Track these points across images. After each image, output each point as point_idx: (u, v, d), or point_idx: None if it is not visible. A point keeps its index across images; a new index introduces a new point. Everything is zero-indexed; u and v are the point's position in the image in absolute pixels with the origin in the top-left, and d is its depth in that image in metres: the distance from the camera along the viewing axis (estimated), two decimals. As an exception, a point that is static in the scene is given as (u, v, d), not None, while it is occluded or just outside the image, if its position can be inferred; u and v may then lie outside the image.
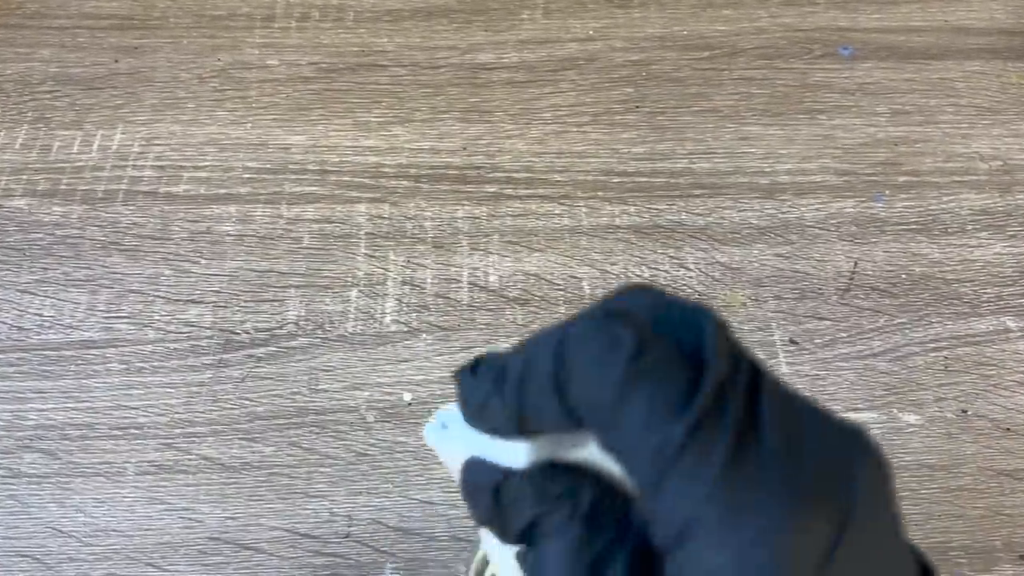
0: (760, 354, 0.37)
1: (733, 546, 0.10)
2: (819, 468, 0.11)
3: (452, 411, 0.15)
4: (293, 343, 0.36)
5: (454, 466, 0.15)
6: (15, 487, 0.33)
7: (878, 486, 0.11)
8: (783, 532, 0.10)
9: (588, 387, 0.11)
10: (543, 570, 0.13)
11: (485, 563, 0.18)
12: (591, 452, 0.13)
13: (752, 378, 0.11)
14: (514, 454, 0.14)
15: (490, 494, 0.14)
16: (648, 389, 0.11)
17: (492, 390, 0.13)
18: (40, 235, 0.39)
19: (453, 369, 0.16)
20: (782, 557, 0.10)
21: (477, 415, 0.14)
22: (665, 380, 0.11)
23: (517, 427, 0.13)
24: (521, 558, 0.14)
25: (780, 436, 0.11)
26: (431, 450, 0.16)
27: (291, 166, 0.42)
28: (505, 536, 0.14)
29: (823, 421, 0.11)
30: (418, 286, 0.38)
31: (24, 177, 0.41)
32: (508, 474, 0.14)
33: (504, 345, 0.37)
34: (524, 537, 0.13)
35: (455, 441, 0.15)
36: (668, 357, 0.11)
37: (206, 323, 0.37)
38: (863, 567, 0.11)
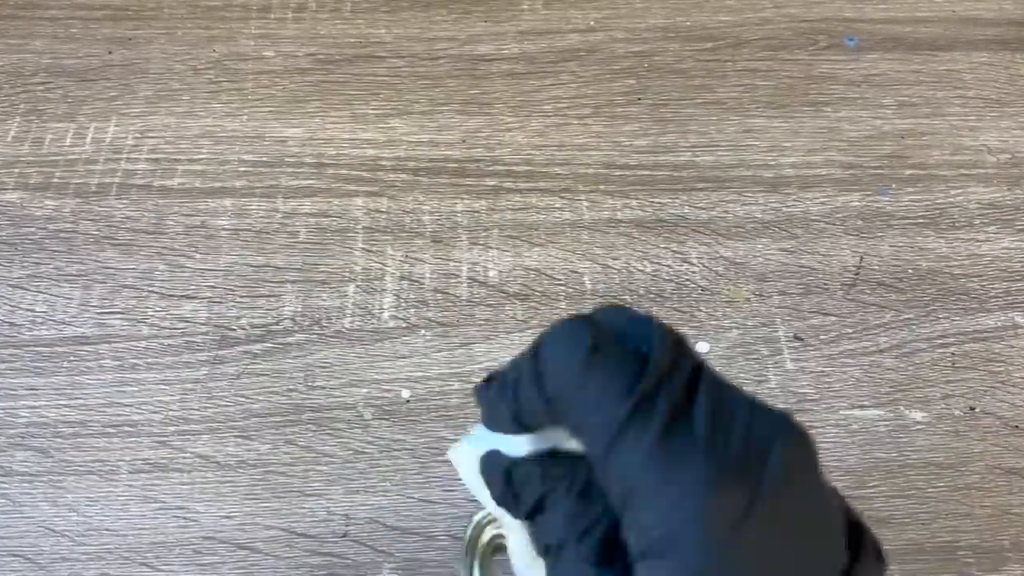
0: (764, 350, 0.36)
1: (662, 506, 0.12)
2: (741, 445, 0.13)
3: (472, 434, 0.18)
4: (289, 339, 0.36)
5: (472, 479, 0.17)
6: (7, 486, 0.32)
7: (794, 465, 0.13)
8: (704, 495, 0.12)
9: (556, 376, 0.14)
10: (547, 537, 0.15)
11: (481, 527, 0.19)
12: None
13: (693, 373, 0.13)
14: (520, 447, 0.16)
15: (503, 477, 0.16)
16: (601, 377, 0.13)
17: (497, 395, 0.16)
18: (32, 229, 0.39)
19: (473, 385, 0.19)
20: (702, 515, 0.12)
21: (492, 420, 0.16)
22: (616, 370, 0.13)
23: (517, 423, 0.15)
24: (531, 531, 0.16)
25: (710, 418, 0.13)
26: (452, 466, 0.18)
27: (287, 159, 0.41)
28: (517, 512, 0.16)
29: (753, 409, 0.13)
30: (417, 281, 0.38)
31: (16, 170, 0.41)
32: (518, 461, 0.16)
33: (504, 341, 0.36)
34: (532, 514, 0.15)
35: (477, 450, 0.17)
36: (620, 353, 0.14)
37: (201, 319, 0.36)
38: (777, 530, 0.13)
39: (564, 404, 0.14)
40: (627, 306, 0.16)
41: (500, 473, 0.16)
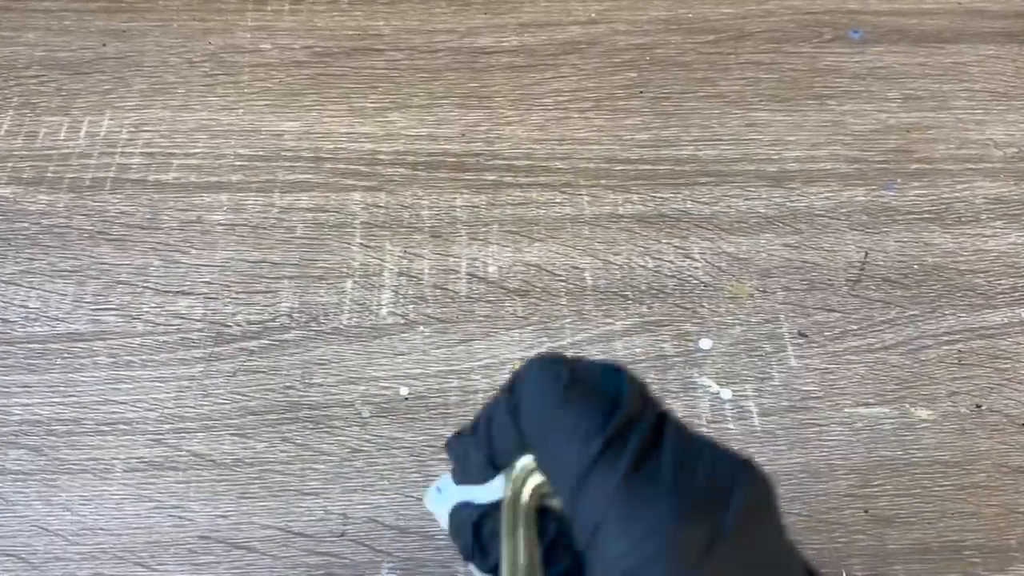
0: (767, 347, 0.36)
1: (633, 535, 0.13)
2: (705, 484, 0.13)
3: (447, 479, 0.18)
4: (286, 336, 0.35)
5: (446, 521, 0.18)
6: (0, 484, 0.32)
7: (754, 506, 0.14)
8: (671, 525, 0.13)
9: (531, 410, 0.15)
10: None
11: (521, 479, 0.17)
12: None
13: (658, 419, 0.14)
14: (494, 492, 0.16)
15: (471, 530, 0.16)
16: (574, 413, 0.14)
17: (469, 441, 0.16)
18: (25, 224, 0.38)
19: (442, 443, 0.20)
20: (670, 545, 0.13)
21: (462, 470, 0.17)
22: (588, 408, 0.14)
23: (491, 465, 0.16)
24: None
25: (675, 459, 0.14)
26: (431, 514, 0.18)
27: (284, 153, 0.41)
28: (484, 565, 0.16)
29: (716, 453, 0.14)
30: (415, 277, 0.37)
31: (9, 165, 0.40)
32: (486, 512, 0.16)
33: (504, 337, 0.36)
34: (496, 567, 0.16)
35: (448, 501, 0.17)
36: (593, 391, 0.14)
37: (196, 315, 0.36)
38: (739, 565, 0.13)
39: (537, 438, 0.15)
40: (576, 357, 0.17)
41: (469, 526, 0.17)
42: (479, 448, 0.16)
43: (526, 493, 0.17)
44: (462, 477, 0.17)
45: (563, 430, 0.14)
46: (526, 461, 0.17)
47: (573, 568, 0.15)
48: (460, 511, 0.17)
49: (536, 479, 0.17)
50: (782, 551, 0.14)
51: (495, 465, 0.16)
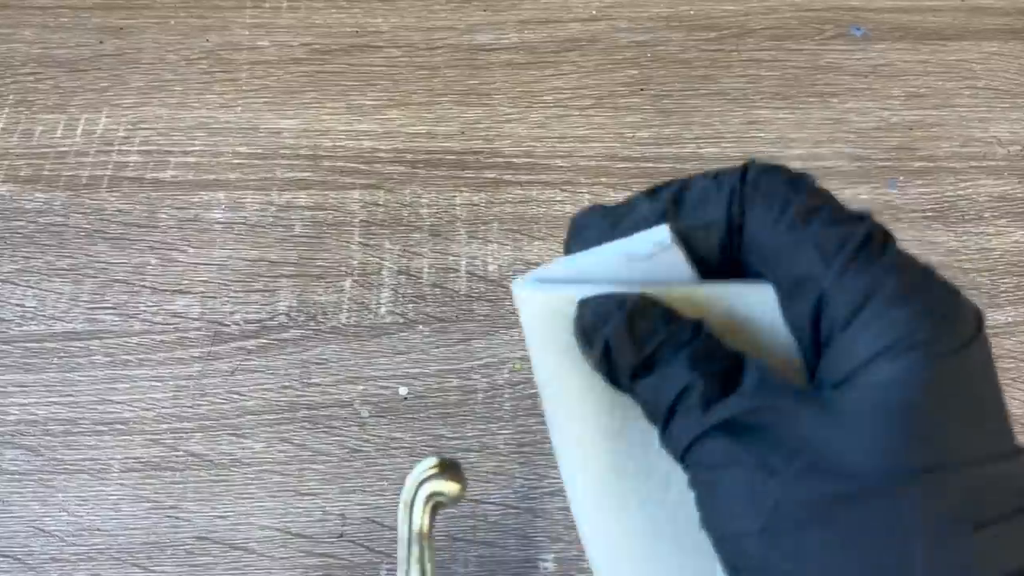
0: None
1: (911, 306, 0.13)
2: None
3: (542, 270, 0.15)
4: (284, 335, 0.35)
5: (540, 327, 0.15)
6: (-5, 485, 0.32)
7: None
8: (946, 307, 0.13)
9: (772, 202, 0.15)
10: (663, 392, 0.14)
11: (418, 481, 0.18)
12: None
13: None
14: (653, 233, 0.15)
15: (625, 320, 0.14)
16: (832, 203, 0.15)
17: (642, 200, 0.16)
18: (22, 223, 0.38)
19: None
20: (944, 326, 0.13)
21: (619, 215, 0.16)
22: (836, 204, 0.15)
23: (665, 213, 0.15)
24: (636, 395, 0.15)
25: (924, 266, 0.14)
26: (515, 307, 0.15)
27: (282, 151, 0.41)
28: (627, 365, 0.14)
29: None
30: (414, 276, 0.37)
31: (5, 163, 0.40)
32: (643, 296, 0.15)
33: (504, 337, 0.35)
34: (640, 368, 0.14)
35: (548, 295, 0.14)
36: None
37: (194, 314, 0.36)
38: (985, 366, 0.14)
39: (778, 214, 0.15)
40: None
41: (623, 315, 0.14)
42: (654, 207, 0.15)
43: (419, 504, 0.17)
44: (613, 223, 0.15)
45: (824, 212, 0.14)
46: (424, 466, 0.17)
47: (732, 368, 0.14)
48: (605, 299, 0.14)
49: (429, 488, 0.17)
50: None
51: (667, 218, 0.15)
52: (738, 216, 0.15)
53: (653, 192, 0.16)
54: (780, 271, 0.15)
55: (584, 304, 0.14)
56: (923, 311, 0.13)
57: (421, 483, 0.18)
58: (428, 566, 0.18)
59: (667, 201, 0.15)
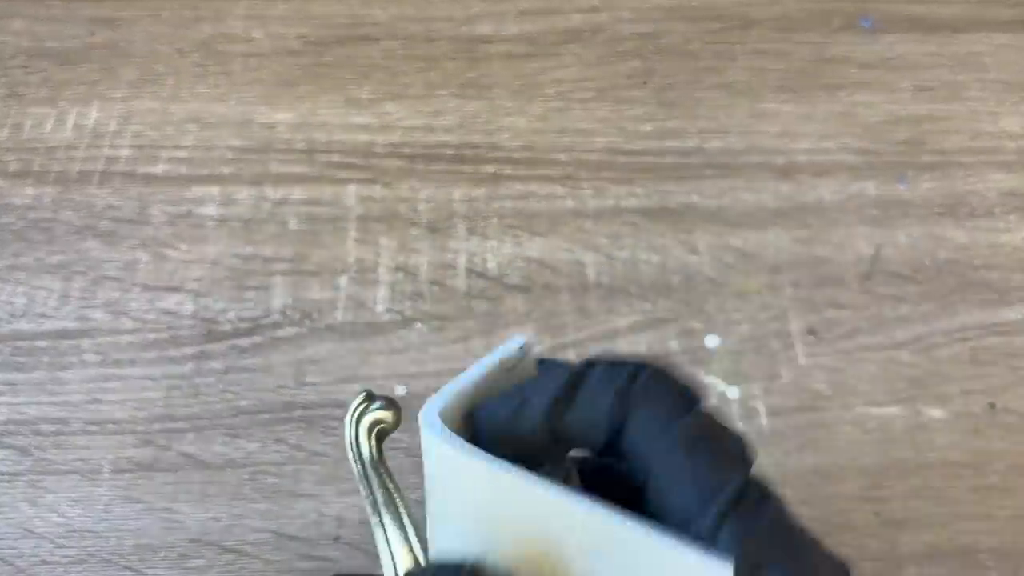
0: (776, 344, 0.35)
1: None
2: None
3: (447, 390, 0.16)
4: (279, 333, 0.35)
5: (449, 453, 0.15)
6: (-16, 486, 0.31)
7: None
8: None
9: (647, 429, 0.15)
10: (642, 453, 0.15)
11: (357, 415, 0.17)
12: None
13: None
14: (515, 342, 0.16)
15: (568, 380, 0.15)
16: (715, 430, 0.15)
17: (535, 389, 0.16)
18: (11, 219, 0.37)
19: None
20: None
21: (505, 418, 0.16)
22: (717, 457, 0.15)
23: (551, 431, 0.15)
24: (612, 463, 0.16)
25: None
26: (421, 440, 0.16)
27: (277, 145, 0.40)
28: (593, 436, 0.15)
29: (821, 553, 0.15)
30: (412, 272, 0.36)
31: (-5, 157, 0.39)
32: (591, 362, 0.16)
33: (502, 335, 0.35)
34: (605, 444, 0.15)
35: (458, 406, 0.15)
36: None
37: (186, 312, 0.35)
38: None
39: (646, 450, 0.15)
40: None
41: (564, 377, 0.15)
42: (541, 400, 0.15)
43: (363, 438, 0.17)
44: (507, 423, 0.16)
45: (697, 466, 0.14)
46: (351, 408, 0.17)
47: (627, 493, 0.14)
48: (549, 365, 0.17)
49: (370, 418, 0.17)
50: None
51: (556, 438, 0.15)
52: (619, 418, 0.15)
53: (554, 367, 0.16)
54: (652, 486, 0.15)
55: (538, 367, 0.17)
56: None
57: (358, 419, 0.18)
58: (391, 485, 0.18)
59: (561, 388, 0.16)
